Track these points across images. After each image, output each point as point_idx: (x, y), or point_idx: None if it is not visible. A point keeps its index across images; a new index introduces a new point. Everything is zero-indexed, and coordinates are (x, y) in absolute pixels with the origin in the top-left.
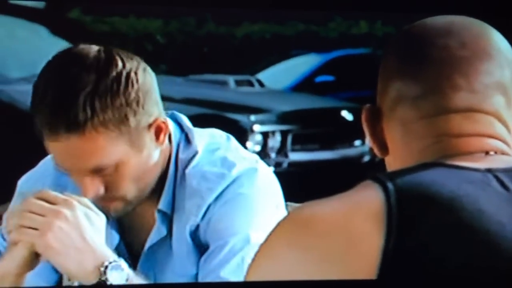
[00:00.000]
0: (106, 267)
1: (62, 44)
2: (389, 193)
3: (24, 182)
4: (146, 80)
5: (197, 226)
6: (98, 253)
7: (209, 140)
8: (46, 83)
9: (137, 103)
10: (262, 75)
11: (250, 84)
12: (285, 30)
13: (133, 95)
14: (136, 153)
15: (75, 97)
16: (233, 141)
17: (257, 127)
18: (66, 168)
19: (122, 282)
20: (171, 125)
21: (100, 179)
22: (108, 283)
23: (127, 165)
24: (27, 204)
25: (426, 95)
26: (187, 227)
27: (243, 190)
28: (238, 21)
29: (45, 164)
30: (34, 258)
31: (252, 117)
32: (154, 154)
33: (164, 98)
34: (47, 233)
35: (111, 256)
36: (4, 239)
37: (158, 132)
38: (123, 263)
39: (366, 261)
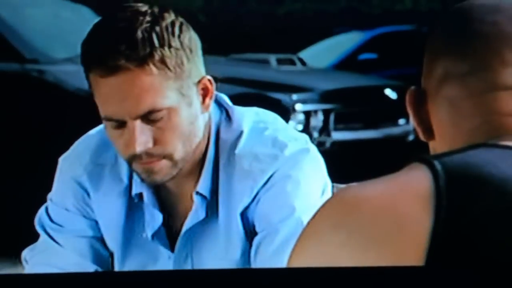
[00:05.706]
0: None
1: None
2: (438, 174)
3: (63, 160)
4: (196, 37)
5: (247, 208)
6: None
7: (255, 118)
8: (102, 23)
9: (190, 50)
10: (304, 54)
11: (292, 62)
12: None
13: (186, 41)
14: (186, 106)
15: (134, 32)
16: (280, 120)
17: (299, 106)
18: (118, 113)
19: None
20: (211, 106)
21: (150, 132)
22: None
23: (178, 115)
24: None
25: (475, 71)
26: (238, 209)
27: (292, 172)
28: None
29: (83, 142)
30: None
31: (294, 96)
32: (200, 117)
33: None
34: None
35: None
36: (52, 221)
37: (204, 93)
38: None
39: (414, 245)
